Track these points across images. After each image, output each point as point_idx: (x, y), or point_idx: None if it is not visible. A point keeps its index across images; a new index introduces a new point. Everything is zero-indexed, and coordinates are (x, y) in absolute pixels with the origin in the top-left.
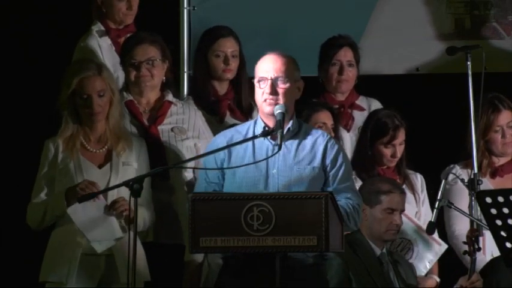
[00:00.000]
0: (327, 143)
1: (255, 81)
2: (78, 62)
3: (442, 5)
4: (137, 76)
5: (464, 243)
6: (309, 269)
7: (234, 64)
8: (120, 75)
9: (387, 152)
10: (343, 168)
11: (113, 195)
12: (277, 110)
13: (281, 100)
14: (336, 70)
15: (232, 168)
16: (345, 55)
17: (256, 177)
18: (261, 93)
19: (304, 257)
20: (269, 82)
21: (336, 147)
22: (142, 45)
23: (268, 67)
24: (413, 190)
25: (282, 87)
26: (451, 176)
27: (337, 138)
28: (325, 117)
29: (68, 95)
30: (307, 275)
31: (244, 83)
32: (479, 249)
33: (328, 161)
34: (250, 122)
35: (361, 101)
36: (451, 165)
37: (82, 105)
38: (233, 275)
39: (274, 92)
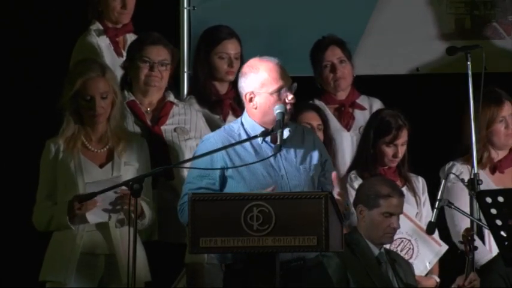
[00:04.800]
0: (312, 136)
1: (272, 89)
2: (82, 63)
3: (442, 5)
4: (148, 75)
5: (461, 242)
6: (313, 269)
7: (236, 66)
8: (118, 75)
9: (389, 151)
10: (328, 155)
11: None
12: (277, 110)
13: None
14: (329, 71)
15: (232, 168)
16: (333, 54)
17: (268, 183)
18: (284, 101)
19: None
20: (290, 89)
21: (317, 136)
22: (158, 46)
23: (284, 74)
24: (414, 192)
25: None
26: (451, 176)
27: (328, 137)
28: (311, 117)
29: (70, 96)
30: (311, 275)
31: None
32: (475, 248)
33: (321, 151)
34: (238, 126)
35: (363, 100)
36: (450, 163)
37: (85, 107)
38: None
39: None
